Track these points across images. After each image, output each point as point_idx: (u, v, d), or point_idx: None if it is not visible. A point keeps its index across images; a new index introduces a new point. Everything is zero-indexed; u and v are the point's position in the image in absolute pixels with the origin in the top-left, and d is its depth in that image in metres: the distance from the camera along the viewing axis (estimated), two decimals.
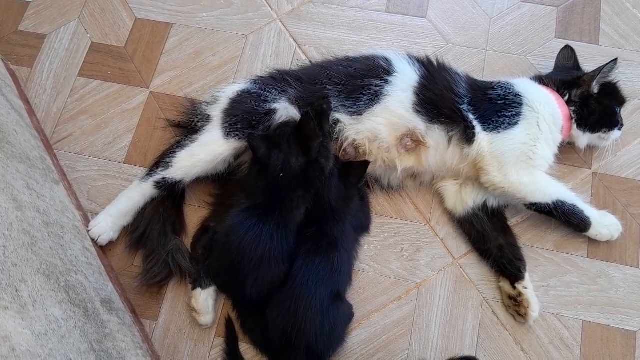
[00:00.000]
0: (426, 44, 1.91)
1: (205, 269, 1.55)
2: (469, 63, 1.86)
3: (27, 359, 0.93)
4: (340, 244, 1.45)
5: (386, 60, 1.59)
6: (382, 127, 1.53)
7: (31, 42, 1.99)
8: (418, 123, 1.51)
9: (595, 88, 1.58)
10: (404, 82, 1.54)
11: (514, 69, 1.84)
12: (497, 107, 1.51)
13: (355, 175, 1.51)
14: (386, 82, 1.54)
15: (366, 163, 1.50)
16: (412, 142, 1.52)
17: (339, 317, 1.40)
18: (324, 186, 1.46)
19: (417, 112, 1.51)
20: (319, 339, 1.36)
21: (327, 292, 1.39)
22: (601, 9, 1.94)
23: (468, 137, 1.50)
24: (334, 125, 1.54)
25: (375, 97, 1.53)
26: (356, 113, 1.53)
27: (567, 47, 1.75)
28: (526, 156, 1.49)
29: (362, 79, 1.55)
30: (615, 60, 1.58)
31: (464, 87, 1.54)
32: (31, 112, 1.83)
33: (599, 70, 1.56)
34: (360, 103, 1.53)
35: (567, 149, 1.68)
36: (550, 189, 1.50)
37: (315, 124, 1.43)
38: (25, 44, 1.99)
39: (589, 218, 1.52)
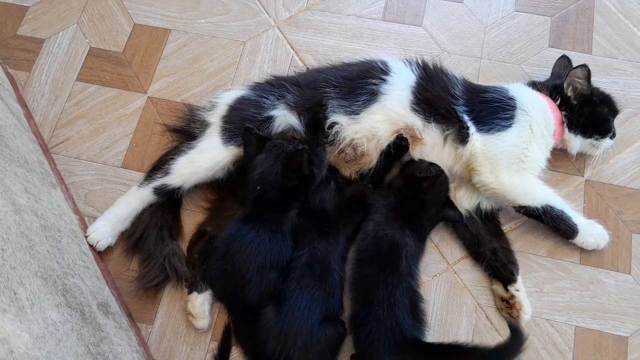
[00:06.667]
0: (422, 52, 1.93)
1: (202, 273, 1.56)
2: (464, 71, 1.89)
3: None
4: (333, 267, 1.46)
5: (383, 62, 1.62)
6: (380, 124, 1.54)
7: (30, 47, 2.00)
8: (416, 120, 1.54)
9: (568, 91, 1.61)
10: (402, 82, 1.57)
11: (508, 77, 1.87)
12: (492, 109, 1.54)
13: (351, 191, 1.53)
14: (384, 81, 1.56)
15: (365, 188, 1.54)
16: (410, 138, 1.54)
17: (327, 342, 1.39)
18: (317, 195, 1.50)
19: (415, 110, 1.54)
20: None
21: (319, 318, 1.38)
22: (594, 19, 1.97)
23: (462, 137, 1.52)
24: (330, 130, 1.56)
25: (373, 96, 1.55)
26: (354, 113, 1.55)
27: (563, 56, 1.79)
28: (518, 159, 1.51)
29: (359, 80, 1.57)
30: (584, 65, 1.60)
31: (459, 89, 1.57)
32: (29, 116, 1.84)
33: (566, 74, 1.62)
34: (358, 103, 1.55)
35: (560, 156, 1.70)
36: (540, 193, 1.52)
37: (305, 161, 1.44)
38: (23, 48, 2.00)
39: (576, 225, 1.54)
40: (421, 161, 1.54)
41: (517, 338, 1.23)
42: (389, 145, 1.54)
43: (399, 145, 1.53)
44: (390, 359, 1.33)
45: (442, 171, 1.53)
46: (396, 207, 1.50)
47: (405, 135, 1.53)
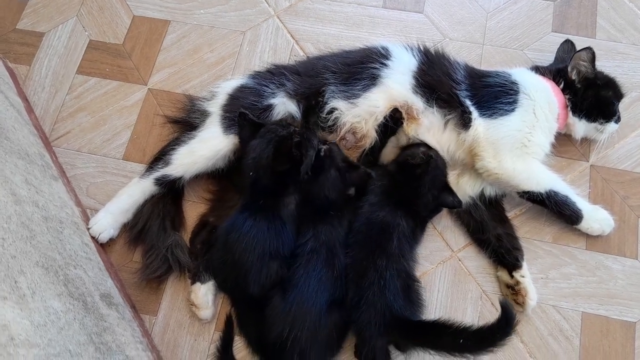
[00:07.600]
0: (423, 39, 1.90)
1: (204, 264, 1.55)
2: (466, 57, 1.86)
3: (26, 348, 0.93)
4: (338, 251, 1.45)
5: (384, 47, 1.61)
6: (380, 101, 1.53)
7: (29, 40, 2.00)
8: (417, 101, 1.53)
9: (572, 74, 1.60)
10: (403, 66, 1.56)
11: (511, 63, 1.84)
12: (494, 93, 1.53)
13: (355, 177, 1.51)
14: (385, 65, 1.55)
15: (369, 175, 1.51)
16: (405, 114, 1.52)
17: (335, 327, 1.38)
18: (319, 186, 1.48)
19: (416, 93, 1.53)
20: (313, 348, 1.35)
21: (327, 301, 1.38)
22: (597, 2, 1.94)
23: (465, 122, 1.51)
24: (329, 115, 1.55)
25: (373, 80, 1.54)
26: (354, 97, 1.54)
27: (567, 41, 1.77)
28: (521, 143, 1.49)
29: (360, 65, 1.56)
30: (588, 48, 1.58)
31: (461, 74, 1.56)
32: (30, 109, 1.83)
33: (570, 57, 1.60)
34: (358, 87, 1.54)
35: (564, 141, 1.68)
36: (543, 178, 1.50)
37: (295, 145, 1.44)
38: (23, 42, 1.99)
39: (581, 211, 1.53)
40: (417, 146, 1.53)
41: (507, 318, 1.20)
42: (385, 118, 1.52)
43: (393, 117, 1.51)
44: (382, 341, 1.33)
45: (432, 156, 1.50)
46: (390, 191, 1.50)
47: (400, 110, 1.51)
